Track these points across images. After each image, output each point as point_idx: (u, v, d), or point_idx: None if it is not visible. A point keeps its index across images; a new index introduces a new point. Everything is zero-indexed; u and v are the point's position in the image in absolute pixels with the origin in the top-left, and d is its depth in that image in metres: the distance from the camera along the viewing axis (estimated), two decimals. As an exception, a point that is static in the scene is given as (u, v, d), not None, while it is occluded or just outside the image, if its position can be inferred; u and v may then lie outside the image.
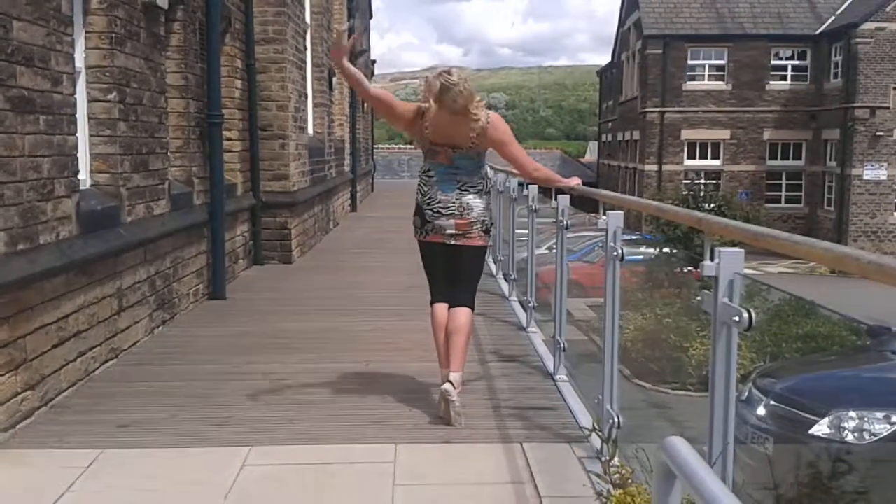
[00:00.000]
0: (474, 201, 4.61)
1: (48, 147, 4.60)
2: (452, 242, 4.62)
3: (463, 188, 4.61)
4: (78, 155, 5.06)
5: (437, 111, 4.55)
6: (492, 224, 4.80)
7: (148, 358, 5.81)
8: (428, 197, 4.64)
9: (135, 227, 5.95)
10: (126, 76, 5.81)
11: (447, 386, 4.42)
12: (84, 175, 5.44)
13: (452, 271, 4.69)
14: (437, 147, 4.63)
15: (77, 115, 5.10)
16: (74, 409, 4.67)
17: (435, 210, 4.61)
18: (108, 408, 4.71)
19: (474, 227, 4.61)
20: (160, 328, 6.55)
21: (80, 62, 5.43)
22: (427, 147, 4.68)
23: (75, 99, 5.06)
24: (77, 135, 5.06)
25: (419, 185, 4.72)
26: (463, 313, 4.63)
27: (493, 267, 9.21)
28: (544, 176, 5.15)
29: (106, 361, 5.46)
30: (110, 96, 5.63)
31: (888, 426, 6.86)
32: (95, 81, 5.59)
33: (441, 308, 4.71)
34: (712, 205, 23.07)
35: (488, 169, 5.02)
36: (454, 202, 4.59)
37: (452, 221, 4.59)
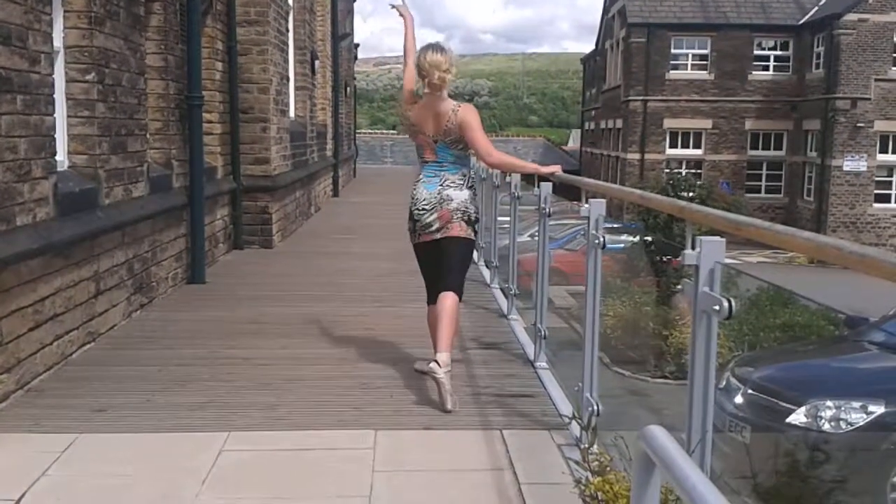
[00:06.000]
0: (454, 193, 4.72)
1: (25, 127, 4.53)
2: (438, 237, 4.75)
3: (444, 184, 4.75)
4: (55, 136, 5.00)
5: (425, 95, 4.79)
6: (476, 218, 4.85)
7: (125, 342, 5.76)
8: (414, 199, 4.80)
9: (113, 209, 5.89)
10: (105, 56, 5.73)
11: (432, 364, 4.45)
12: (62, 156, 5.37)
13: (440, 265, 4.78)
14: (421, 136, 4.79)
15: (55, 96, 5.03)
16: (50, 393, 4.63)
17: (420, 209, 4.76)
18: (84, 392, 4.67)
19: (454, 218, 4.71)
20: (138, 312, 6.50)
21: (58, 42, 5.35)
22: (412, 135, 4.87)
23: (53, 79, 4.99)
24: (55, 115, 4.99)
25: (411, 192, 4.87)
26: (447, 297, 4.68)
27: (475, 254, 9.20)
28: (505, 161, 5.17)
29: (83, 345, 5.41)
30: (89, 77, 5.56)
31: (865, 416, 6.92)
32: (74, 61, 5.51)
33: (434, 308, 4.80)
34: (691, 193, 23.07)
35: (474, 161, 5.04)
36: (435, 197, 4.73)
37: (436, 215, 4.73)
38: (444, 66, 4.69)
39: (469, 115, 4.75)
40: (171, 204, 7.23)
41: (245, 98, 9.76)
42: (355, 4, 25.43)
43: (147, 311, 6.65)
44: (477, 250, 9.21)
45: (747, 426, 7.20)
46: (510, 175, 6.74)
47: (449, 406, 4.40)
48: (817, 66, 30.92)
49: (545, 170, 5.11)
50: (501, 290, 7.46)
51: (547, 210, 5.23)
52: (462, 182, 4.78)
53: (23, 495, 3.40)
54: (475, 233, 4.86)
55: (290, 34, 12.16)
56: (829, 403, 7.00)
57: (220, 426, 4.16)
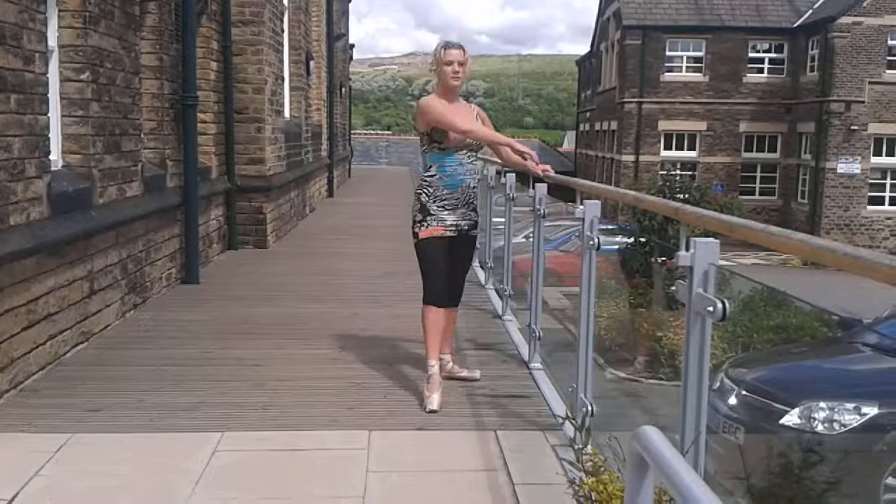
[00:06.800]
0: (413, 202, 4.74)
1: (19, 127, 4.52)
2: None
3: None
4: (49, 135, 4.99)
5: None
6: (416, 220, 4.65)
7: (119, 342, 5.75)
8: None
9: (107, 209, 5.88)
10: (100, 56, 5.72)
11: None
12: (55, 156, 5.36)
13: None
14: None
15: (49, 95, 5.02)
16: (44, 393, 4.62)
17: None
18: (78, 392, 4.66)
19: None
20: (132, 312, 6.49)
21: (52, 41, 5.34)
22: None
23: (47, 78, 4.98)
24: (49, 115, 4.98)
25: None
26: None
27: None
28: (481, 132, 4.67)
29: (76, 345, 5.40)
30: (83, 76, 5.55)
31: (858, 417, 6.94)
32: (68, 61, 5.50)
33: None
34: (686, 195, 23.04)
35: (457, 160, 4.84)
36: None
37: None
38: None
39: (424, 105, 4.63)
40: (165, 204, 7.22)
41: (240, 98, 9.75)
42: (350, 5, 25.42)
43: (141, 311, 6.64)
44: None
45: (741, 427, 7.22)
46: (505, 176, 6.73)
47: (429, 407, 4.41)
48: (812, 69, 30.96)
49: (531, 164, 4.88)
50: (496, 291, 7.45)
51: (542, 211, 5.23)
52: (418, 183, 4.80)
53: (16, 495, 3.39)
54: (414, 234, 4.65)
55: (286, 34, 12.16)
56: (822, 405, 7.02)
57: (214, 426, 4.15)
